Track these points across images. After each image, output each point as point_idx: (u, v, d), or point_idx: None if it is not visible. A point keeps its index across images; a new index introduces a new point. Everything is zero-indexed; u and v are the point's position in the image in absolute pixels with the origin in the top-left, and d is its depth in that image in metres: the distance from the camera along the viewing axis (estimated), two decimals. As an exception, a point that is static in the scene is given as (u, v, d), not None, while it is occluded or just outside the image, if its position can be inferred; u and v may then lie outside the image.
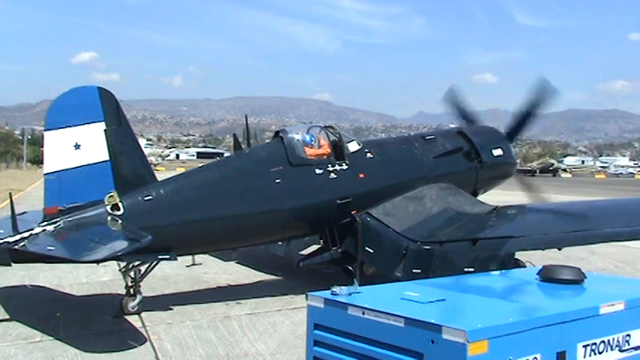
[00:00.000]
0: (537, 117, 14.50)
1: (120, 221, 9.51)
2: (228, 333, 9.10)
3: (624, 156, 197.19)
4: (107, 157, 9.77)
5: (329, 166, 11.63)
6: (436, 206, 12.15)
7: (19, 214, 9.74)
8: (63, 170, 9.60)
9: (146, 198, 9.99)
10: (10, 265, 9.51)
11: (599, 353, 4.92)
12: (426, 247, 10.74)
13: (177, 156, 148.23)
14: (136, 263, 9.95)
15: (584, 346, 4.80)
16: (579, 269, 5.88)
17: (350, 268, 11.58)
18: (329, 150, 11.85)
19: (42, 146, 10.20)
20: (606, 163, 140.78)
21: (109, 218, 9.54)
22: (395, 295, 5.08)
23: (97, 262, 8.99)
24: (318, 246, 12.77)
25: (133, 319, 9.66)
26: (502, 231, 10.94)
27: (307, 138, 11.85)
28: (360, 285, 5.36)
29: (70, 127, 9.70)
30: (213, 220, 10.43)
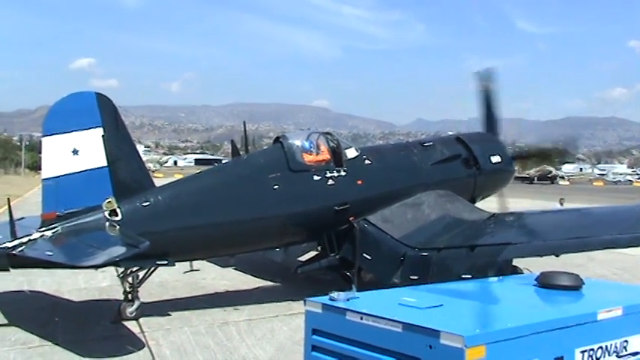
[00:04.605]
0: (498, 109, 14.58)
1: (118, 227, 9.51)
2: (226, 339, 9.09)
3: (622, 163, 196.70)
4: (105, 163, 9.76)
5: (327, 172, 11.63)
6: (434, 213, 12.14)
7: (17, 220, 9.72)
8: (61, 176, 9.59)
9: (144, 204, 9.98)
10: (8, 271, 9.49)
11: (597, 359, 4.92)
12: (423, 253, 10.72)
13: (175, 162, 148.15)
14: (134, 269, 9.94)
15: (581, 352, 4.80)
16: (577, 275, 5.88)
17: (348, 274, 11.57)
18: (328, 156, 11.85)
19: (40, 152, 10.18)
20: (604, 170, 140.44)
21: (107, 224, 9.54)
22: (393, 301, 5.07)
23: (96, 267, 9.01)
24: (316, 252, 12.77)
25: (131, 325, 9.66)
26: (500, 238, 10.92)
27: (306, 144, 11.86)
28: (357, 291, 5.36)
29: (67, 132, 9.69)
30: (211, 226, 10.42)
